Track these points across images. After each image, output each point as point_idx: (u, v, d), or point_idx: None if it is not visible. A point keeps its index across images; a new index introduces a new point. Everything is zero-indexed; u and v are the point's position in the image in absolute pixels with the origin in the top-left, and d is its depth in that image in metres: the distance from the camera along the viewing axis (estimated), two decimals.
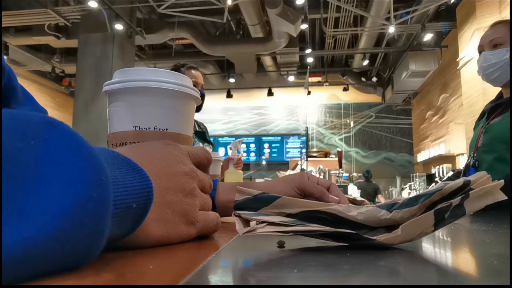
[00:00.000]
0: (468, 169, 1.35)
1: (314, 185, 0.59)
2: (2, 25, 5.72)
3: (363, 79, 8.37)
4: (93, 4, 5.13)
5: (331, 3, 5.54)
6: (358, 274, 0.23)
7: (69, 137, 0.22)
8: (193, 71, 1.85)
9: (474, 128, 1.49)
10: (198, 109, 1.65)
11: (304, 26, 5.80)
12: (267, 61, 7.66)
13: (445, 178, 1.74)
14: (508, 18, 1.37)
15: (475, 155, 1.36)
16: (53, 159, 0.21)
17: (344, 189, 4.42)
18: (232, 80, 8.13)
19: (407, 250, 0.32)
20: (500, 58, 1.28)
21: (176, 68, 1.84)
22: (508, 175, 1.20)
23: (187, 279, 0.21)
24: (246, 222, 0.34)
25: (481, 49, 1.37)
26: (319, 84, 8.23)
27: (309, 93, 7.52)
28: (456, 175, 1.59)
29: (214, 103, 8.68)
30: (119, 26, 5.31)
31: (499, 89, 1.47)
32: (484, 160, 1.31)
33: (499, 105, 1.33)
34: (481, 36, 1.39)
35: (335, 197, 0.58)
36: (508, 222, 0.66)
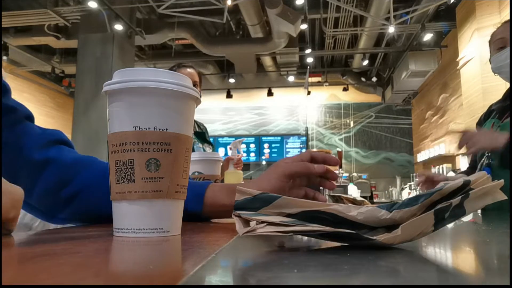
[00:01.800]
0: (483, 169, 1.33)
1: (295, 163, 0.56)
2: (2, 26, 5.71)
3: (363, 79, 8.37)
4: (93, 5, 5.13)
5: (331, 3, 5.54)
6: (358, 274, 0.23)
7: None
8: (187, 69, 1.83)
9: (483, 126, 1.47)
10: None
11: (304, 26, 5.79)
12: (267, 61, 7.66)
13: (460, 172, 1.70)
14: (508, 18, 1.36)
15: (489, 154, 1.33)
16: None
17: (344, 189, 4.42)
18: (232, 80, 8.12)
19: (407, 250, 0.32)
20: None
21: (171, 69, 1.84)
22: None
23: (187, 279, 0.21)
24: (246, 222, 0.34)
25: (503, 43, 1.32)
26: (319, 84, 8.22)
27: (309, 93, 7.53)
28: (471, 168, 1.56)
29: (214, 103, 8.68)
30: (119, 27, 5.31)
31: (498, 89, 1.47)
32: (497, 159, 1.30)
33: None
34: (501, 29, 1.34)
35: (321, 167, 0.55)
36: (508, 222, 0.66)
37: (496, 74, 1.42)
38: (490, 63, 1.41)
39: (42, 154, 0.55)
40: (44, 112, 7.85)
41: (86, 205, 0.56)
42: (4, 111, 0.54)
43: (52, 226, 0.78)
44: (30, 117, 0.59)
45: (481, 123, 1.54)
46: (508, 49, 1.30)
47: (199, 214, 0.60)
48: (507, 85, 1.42)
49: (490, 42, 1.42)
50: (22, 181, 0.54)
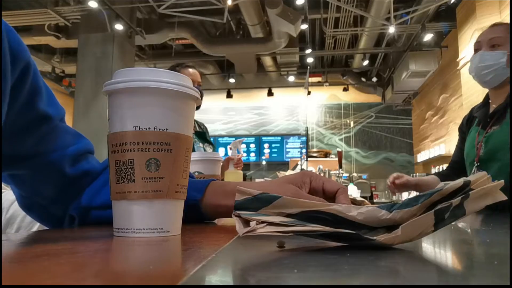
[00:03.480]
0: None
1: (311, 197, 0.53)
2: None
3: (363, 79, 8.37)
4: (93, 4, 5.13)
5: (331, 3, 5.54)
6: (358, 274, 0.23)
7: None
8: (190, 70, 1.84)
9: (467, 134, 1.46)
10: (197, 107, 1.66)
11: (304, 26, 5.79)
12: (267, 61, 7.66)
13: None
14: (508, 18, 1.37)
15: (478, 164, 1.34)
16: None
17: None
18: (232, 80, 8.12)
19: (407, 250, 0.32)
20: (496, 61, 1.28)
21: (173, 68, 1.84)
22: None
23: (187, 279, 0.21)
24: (246, 222, 0.34)
25: (478, 46, 1.35)
26: (319, 84, 8.22)
27: (309, 93, 7.52)
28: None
29: (214, 103, 8.68)
30: (119, 26, 5.31)
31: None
32: (488, 168, 1.30)
33: (495, 113, 1.32)
34: (481, 33, 1.37)
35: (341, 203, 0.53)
36: (508, 222, 0.66)
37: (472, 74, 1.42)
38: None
39: (76, 168, 0.57)
40: None
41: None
42: (38, 119, 0.52)
43: None
44: (63, 118, 0.59)
45: (463, 127, 1.53)
46: (480, 53, 1.32)
47: (198, 205, 0.57)
48: (505, 86, 1.42)
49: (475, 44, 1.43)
50: (64, 194, 0.56)
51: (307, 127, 6.30)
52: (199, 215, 0.58)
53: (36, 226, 0.80)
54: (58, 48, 7.13)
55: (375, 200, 6.43)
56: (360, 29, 6.26)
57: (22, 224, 0.80)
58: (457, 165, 1.54)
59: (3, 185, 0.86)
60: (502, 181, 0.32)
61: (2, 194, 0.82)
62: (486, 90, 1.45)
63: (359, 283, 0.22)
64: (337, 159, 5.30)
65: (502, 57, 1.27)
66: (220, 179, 1.15)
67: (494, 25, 1.36)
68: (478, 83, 1.38)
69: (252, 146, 8.73)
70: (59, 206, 0.58)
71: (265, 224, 0.33)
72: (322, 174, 4.85)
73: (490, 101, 1.39)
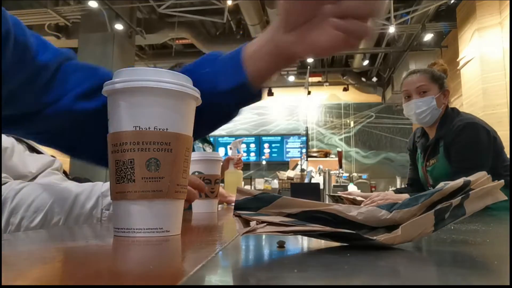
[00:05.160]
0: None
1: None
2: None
3: (363, 79, 8.37)
4: (93, 4, 5.13)
5: None
6: (358, 274, 0.23)
7: None
8: None
9: (416, 154, 1.66)
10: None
11: None
12: None
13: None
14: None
15: (431, 188, 1.46)
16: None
17: (344, 189, 4.41)
18: None
19: (407, 250, 0.32)
20: (429, 105, 1.50)
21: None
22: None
23: (187, 279, 0.21)
24: (246, 222, 0.34)
25: (407, 94, 1.55)
26: (319, 84, 8.22)
27: (309, 93, 7.52)
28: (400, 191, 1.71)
29: None
30: (119, 26, 5.31)
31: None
32: None
33: (429, 146, 1.54)
34: (405, 81, 1.56)
35: None
36: (508, 222, 0.67)
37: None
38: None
39: (97, 101, 0.53)
40: None
41: None
42: (36, 70, 0.50)
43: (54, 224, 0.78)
44: (65, 59, 0.55)
45: (411, 148, 1.71)
46: (413, 101, 1.51)
47: (246, 86, 0.55)
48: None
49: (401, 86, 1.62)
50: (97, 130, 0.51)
51: (307, 127, 6.30)
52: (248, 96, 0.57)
53: (40, 216, 0.80)
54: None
55: None
56: None
57: (26, 214, 0.80)
58: (415, 182, 1.69)
59: (6, 175, 0.85)
60: (502, 181, 0.33)
61: (8, 184, 0.82)
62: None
63: (359, 283, 0.22)
64: (337, 159, 5.29)
65: (432, 101, 1.51)
66: (220, 179, 1.15)
67: (414, 72, 1.56)
68: (420, 124, 1.59)
69: (252, 146, 8.73)
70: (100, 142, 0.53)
71: (265, 224, 0.33)
72: (322, 174, 4.84)
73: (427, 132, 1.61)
